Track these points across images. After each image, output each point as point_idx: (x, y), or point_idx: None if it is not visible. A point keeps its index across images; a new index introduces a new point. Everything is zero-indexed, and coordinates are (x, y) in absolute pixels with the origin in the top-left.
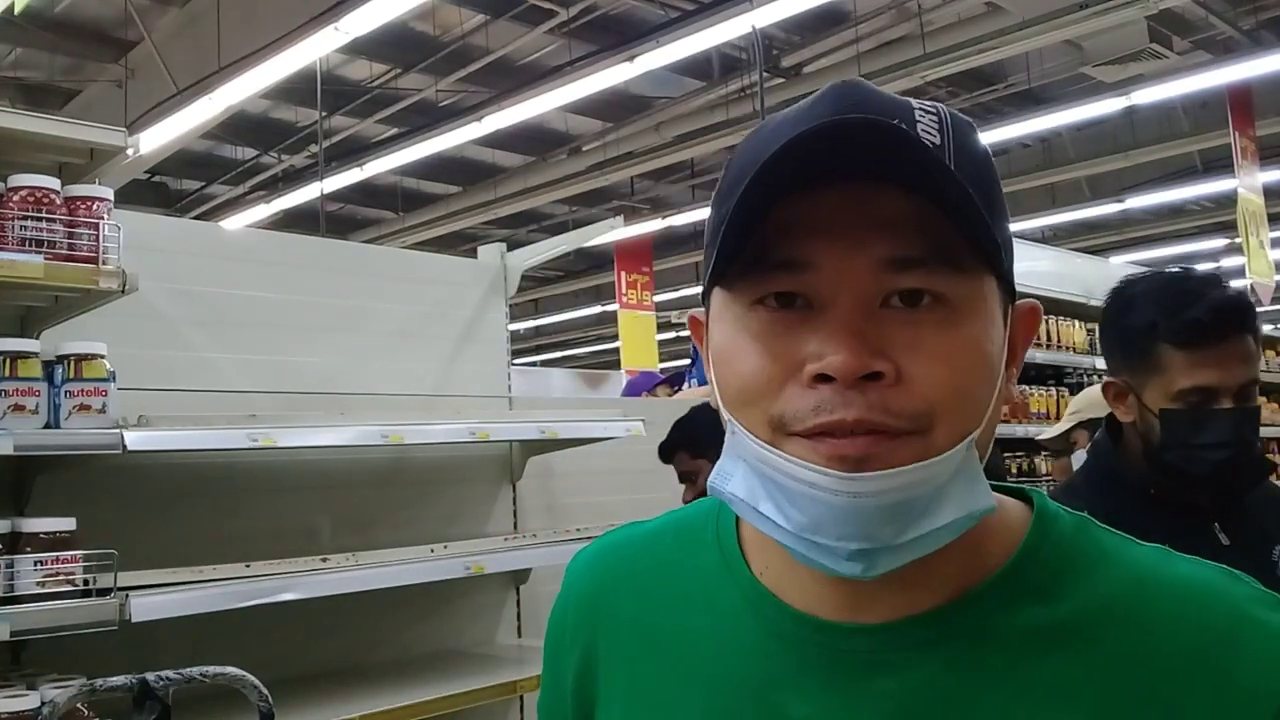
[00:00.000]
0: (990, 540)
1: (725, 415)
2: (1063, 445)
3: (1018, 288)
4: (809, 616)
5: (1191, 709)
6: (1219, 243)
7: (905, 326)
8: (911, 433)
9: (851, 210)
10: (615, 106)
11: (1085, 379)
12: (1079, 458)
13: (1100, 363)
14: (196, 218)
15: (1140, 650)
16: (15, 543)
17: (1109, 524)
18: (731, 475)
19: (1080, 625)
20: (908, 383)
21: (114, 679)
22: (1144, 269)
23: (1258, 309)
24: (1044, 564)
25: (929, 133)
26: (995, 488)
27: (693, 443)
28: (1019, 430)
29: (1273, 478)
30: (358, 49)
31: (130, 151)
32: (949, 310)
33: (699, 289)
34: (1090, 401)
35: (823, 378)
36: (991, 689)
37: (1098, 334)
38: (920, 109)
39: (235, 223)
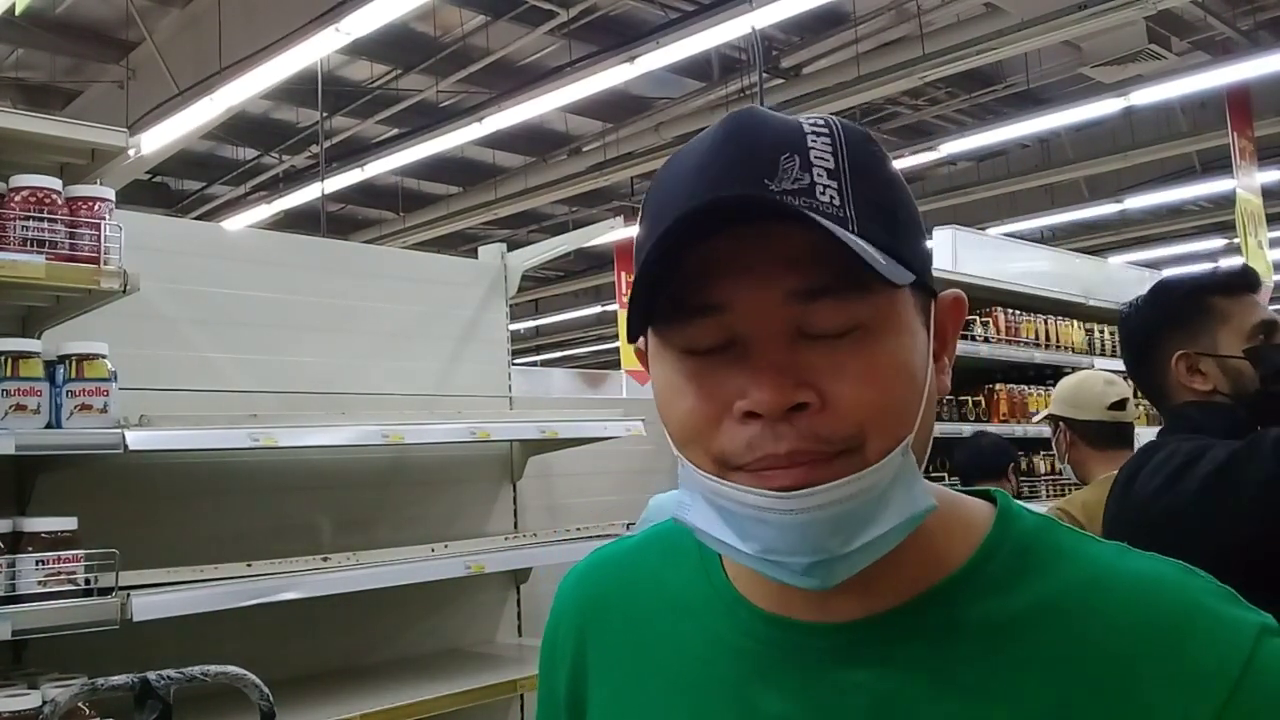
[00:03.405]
0: (953, 539)
1: (675, 452)
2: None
3: (1016, 288)
4: (780, 617)
5: (1145, 694)
6: (1217, 243)
7: (825, 353)
8: (844, 452)
9: (757, 248)
10: (615, 107)
11: None
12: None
13: (1099, 362)
14: (198, 218)
15: (1095, 639)
16: (17, 542)
17: None
18: (690, 506)
19: (1038, 617)
20: (834, 407)
21: (115, 678)
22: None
23: None
24: (1004, 561)
25: (822, 158)
26: (964, 490)
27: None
28: (1018, 430)
29: None
30: (358, 50)
31: (131, 152)
32: (864, 331)
33: None
34: (1070, 400)
35: (752, 414)
36: (956, 680)
37: (1146, 325)
38: (813, 132)
39: (236, 223)
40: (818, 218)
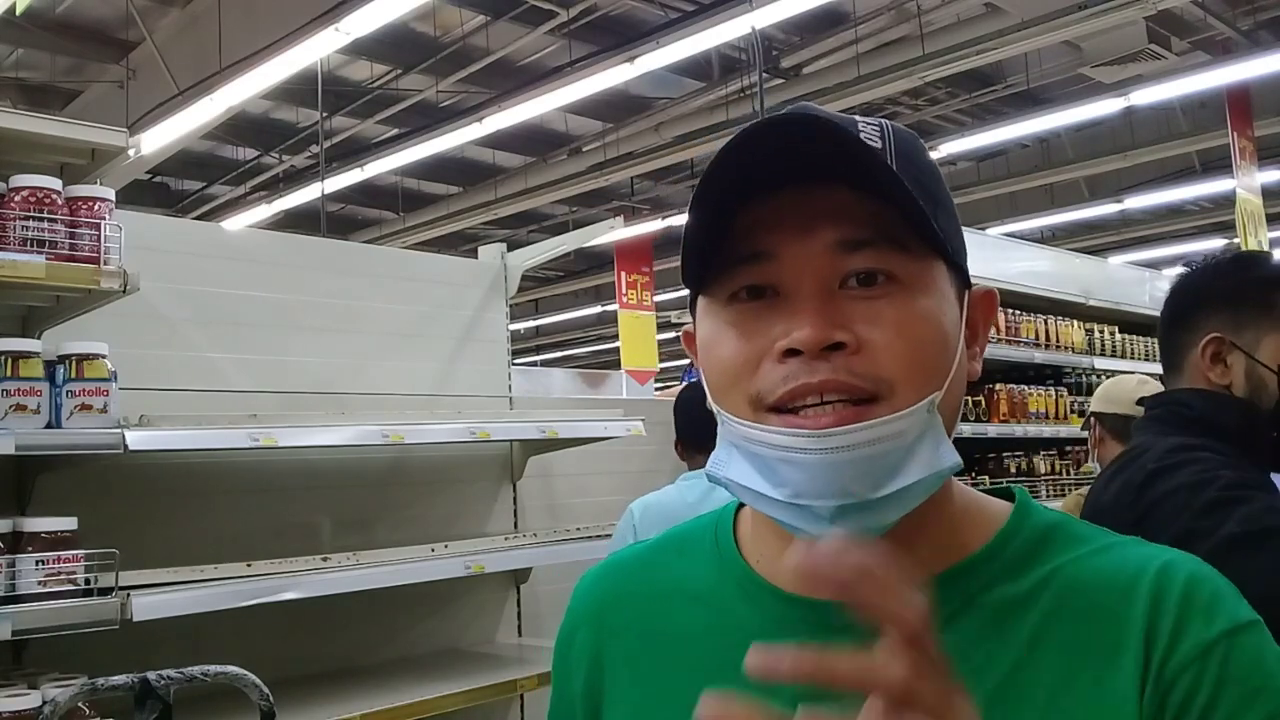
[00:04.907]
0: (971, 527)
1: (714, 406)
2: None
3: (1016, 288)
4: (799, 597)
5: (1127, 656)
6: (1217, 243)
7: (862, 303)
8: (875, 398)
9: (804, 206)
10: (615, 107)
11: (1085, 379)
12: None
13: (1099, 362)
14: (198, 218)
15: (1099, 617)
16: (17, 542)
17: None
18: (726, 461)
19: (1043, 588)
20: (868, 350)
21: (115, 678)
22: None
23: None
24: (1019, 547)
25: (871, 139)
26: (984, 489)
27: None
28: (1018, 430)
29: None
30: (358, 50)
31: (132, 152)
32: (901, 287)
33: None
34: (1103, 395)
35: (791, 352)
36: (968, 658)
37: (1202, 287)
38: (864, 120)
39: (236, 223)
40: (869, 146)
